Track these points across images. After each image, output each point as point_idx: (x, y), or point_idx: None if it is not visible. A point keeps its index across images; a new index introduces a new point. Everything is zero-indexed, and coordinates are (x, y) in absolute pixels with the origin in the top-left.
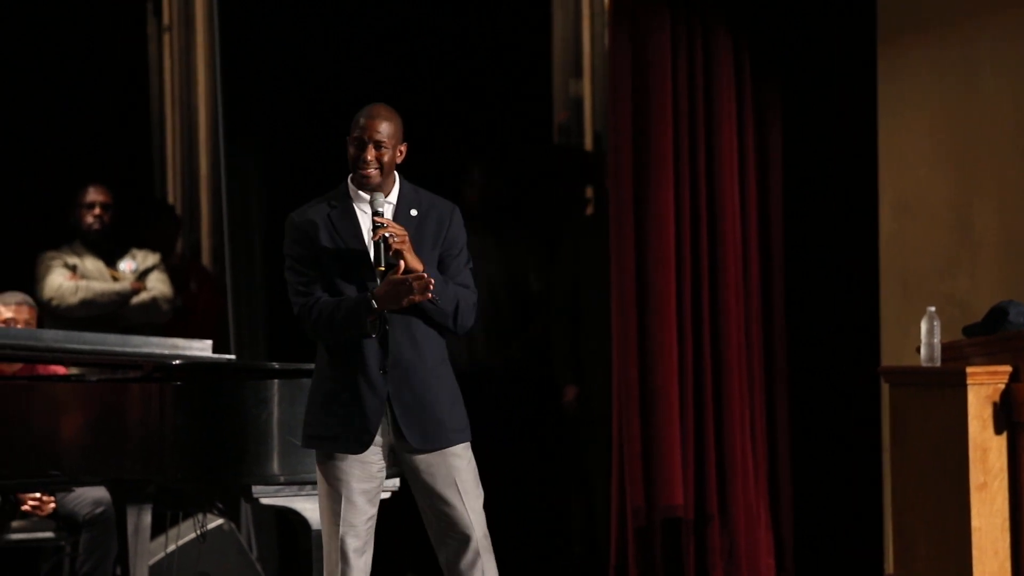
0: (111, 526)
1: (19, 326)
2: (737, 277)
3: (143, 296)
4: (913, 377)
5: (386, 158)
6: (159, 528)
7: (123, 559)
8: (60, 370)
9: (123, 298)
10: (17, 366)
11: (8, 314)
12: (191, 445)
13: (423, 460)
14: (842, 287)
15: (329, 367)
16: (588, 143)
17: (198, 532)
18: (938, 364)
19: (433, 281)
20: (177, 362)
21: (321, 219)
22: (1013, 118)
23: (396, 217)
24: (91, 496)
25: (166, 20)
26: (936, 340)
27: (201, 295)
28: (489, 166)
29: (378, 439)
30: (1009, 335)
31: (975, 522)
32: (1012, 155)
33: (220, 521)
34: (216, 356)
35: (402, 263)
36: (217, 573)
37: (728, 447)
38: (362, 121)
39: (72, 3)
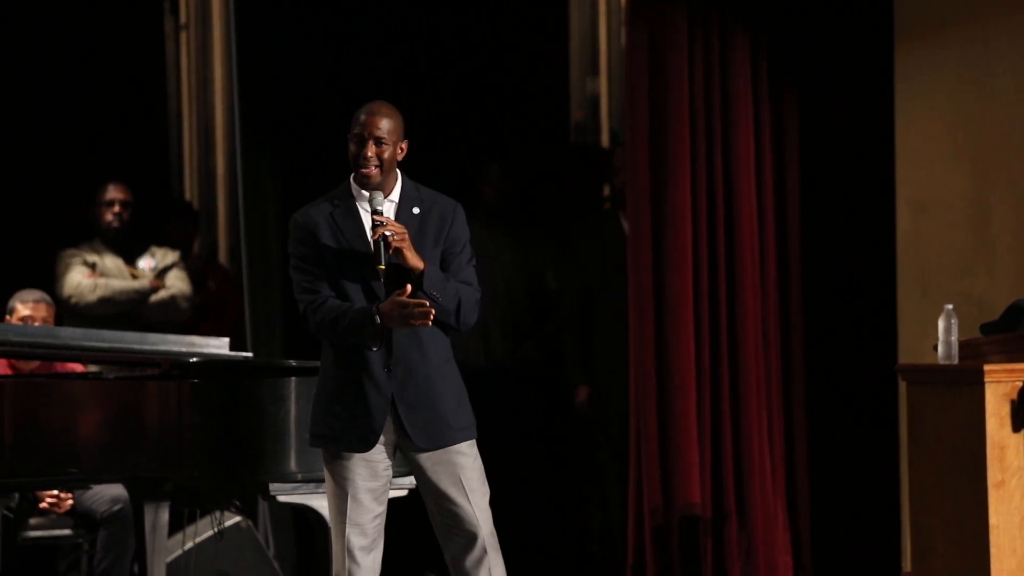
0: (129, 523)
1: (37, 324)
2: (754, 276)
3: (162, 294)
4: (930, 375)
5: (387, 155)
6: (176, 526)
7: (140, 556)
8: (78, 368)
9: (142, 296)
10: (35, 364)
11: (26, 312)
12: (208, 443)
13: (428, 458)
14: (859, 285)
15: (334, 366)
16: (605, 141)
17: (215, 530)
18: (956, 362)
19: (434, 312)
20: (194, 360)
21: (324, 218)
22: None
23: (398, 215)
24: (109, 493)
25: (183, 18)
26: (953, 338)
27: (221, 293)
28: (506, 164)
29: (383, 438)
30: None
31: (993, 520)
32: None
33: (237, 519)
34: (233, 354)
35: (404, 257)
36: (234, 571)
37: (745, 445)
38: (362, 118)
39: (89, 2)
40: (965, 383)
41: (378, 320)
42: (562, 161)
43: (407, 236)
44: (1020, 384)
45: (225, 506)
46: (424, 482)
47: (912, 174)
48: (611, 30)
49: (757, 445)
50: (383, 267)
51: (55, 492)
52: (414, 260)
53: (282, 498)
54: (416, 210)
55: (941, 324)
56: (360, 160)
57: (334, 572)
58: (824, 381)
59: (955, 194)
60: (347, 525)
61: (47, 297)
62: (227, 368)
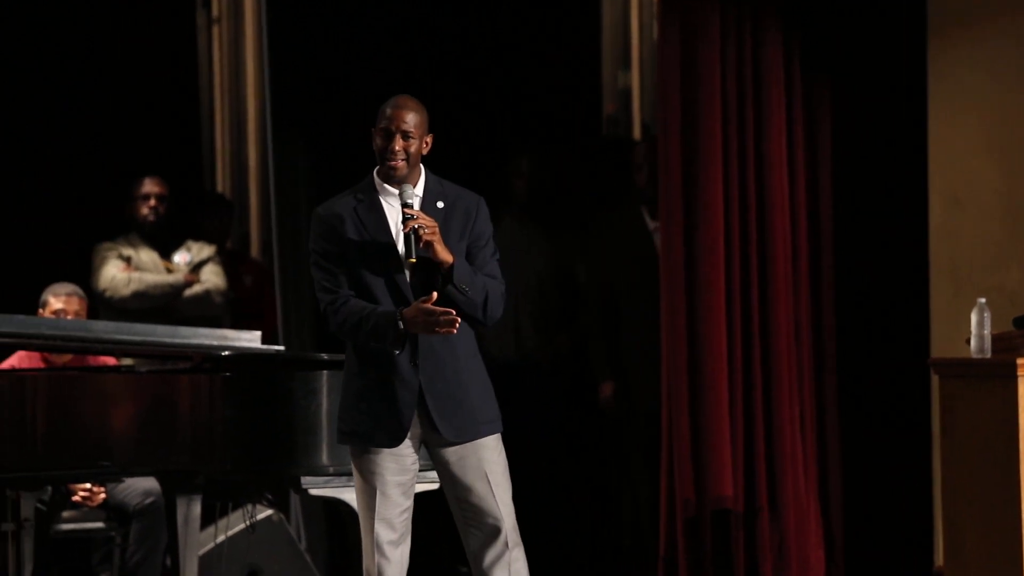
0: (161, 517)
1: (69, 317)
2: (786, 269)
3: (196, 288)
4: (963, 369)
5: (413, 149)
6: (208, 519)
7: (173, 550)
8: (110, 361)
9: (176, 290)
10: (67, 357)
11: (58, 305)
12: (240, 436)
13: (454, 452)
14: (892, 279)
15: (361, 362)
16: (636, 135)
17: (247, 523)
18: (988, 356)
19: (459, 321)
20: (226, 353)
21: (347, 212)
22: None
23: (422, 209)
24: (141, 487)
25: (215, 12)
26: (986, 331)
27: (256, 287)
28: (537, 157)
29: (411, 432)
30: None
31: None
32: None
33: (269, 512)
34: (265, 347)
35: (435, 250)
36: (266, 564)
37: (777, 439)
38: (389, 112)
39: None
40: (998, 377)
41: (401, 326)
42: (593, 154)
43: (438, 230)
44: None
45: (257, 499)
46: (449, 476)
47: (945, 168)
48: (643, 23)
49: (789, 439)
50: (414, 260)
51: (88, 485)
52: (444, 254)
53: (314, 491)
54: (440, 204)
55: (974, 318)
56: (387, 153)
57: (364, 567)
58: (856, 375)
59: (988, 188)
60: (376, 520)
61: (79, 291)
62: (259, 361)
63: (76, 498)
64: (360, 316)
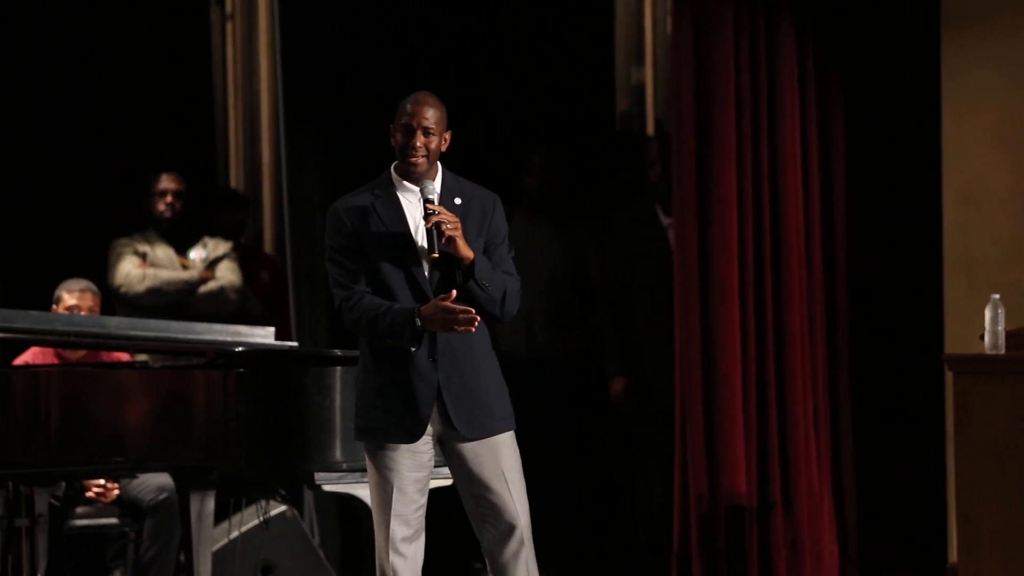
0: (175, 512)
1: (83, 313)
2: (800, 265)
3: (211, 285)
4: (977, 365)
5: (433, 145)
6: (222, 515)
7: (186, 545)
8: (124, 357)
9: (191, 287)
10: (81, 353)
11: (72, 301)
12: (254, 432)
13: (471, 448)
14: (906, 275)
15: (377, 358)
16: (650, 131)
17: (261, 519)
18: (1002, 352)
19: (479, 319)
20: (240, 349)
21: (365, 208)
22: None
23: (441, 205)
24: (155, 482)
25: (228, 8)
26: (1000, 328)
27: (273, 284)
28: (550, 154)
29: (428, 428)
30: None
31: None
32: None
33: (283, 508)
34: (278, 343)
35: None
36: (280, 560)
37: (791, 435)
38: (409, 108)
39: None
40: (1012, 373)
41: (419, 323)
42: (607, 151)
43: (460, 225)
44: None
45: (270, 495)
46: (465, 472)
47: (958, 164)
48: (657, 19)
49: (803, 435)
50: (436, 255)
51: (101, 481)
52: (465, 250)
53: (327, 487)
54: (458, 201)
55: (988, 314)
56: (408, 150)
57: (377, 563)
58: (870, 371)
59: (1002, 184)
60: (391, 516)
61: (93, 286)
62: (273, 357)
63: (90, 494)
64: (376, 313)
